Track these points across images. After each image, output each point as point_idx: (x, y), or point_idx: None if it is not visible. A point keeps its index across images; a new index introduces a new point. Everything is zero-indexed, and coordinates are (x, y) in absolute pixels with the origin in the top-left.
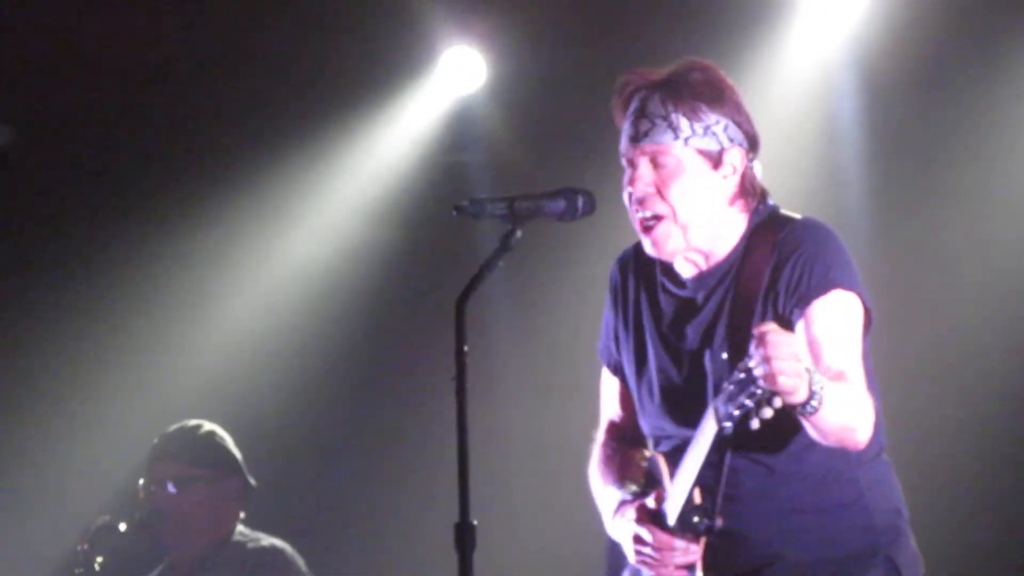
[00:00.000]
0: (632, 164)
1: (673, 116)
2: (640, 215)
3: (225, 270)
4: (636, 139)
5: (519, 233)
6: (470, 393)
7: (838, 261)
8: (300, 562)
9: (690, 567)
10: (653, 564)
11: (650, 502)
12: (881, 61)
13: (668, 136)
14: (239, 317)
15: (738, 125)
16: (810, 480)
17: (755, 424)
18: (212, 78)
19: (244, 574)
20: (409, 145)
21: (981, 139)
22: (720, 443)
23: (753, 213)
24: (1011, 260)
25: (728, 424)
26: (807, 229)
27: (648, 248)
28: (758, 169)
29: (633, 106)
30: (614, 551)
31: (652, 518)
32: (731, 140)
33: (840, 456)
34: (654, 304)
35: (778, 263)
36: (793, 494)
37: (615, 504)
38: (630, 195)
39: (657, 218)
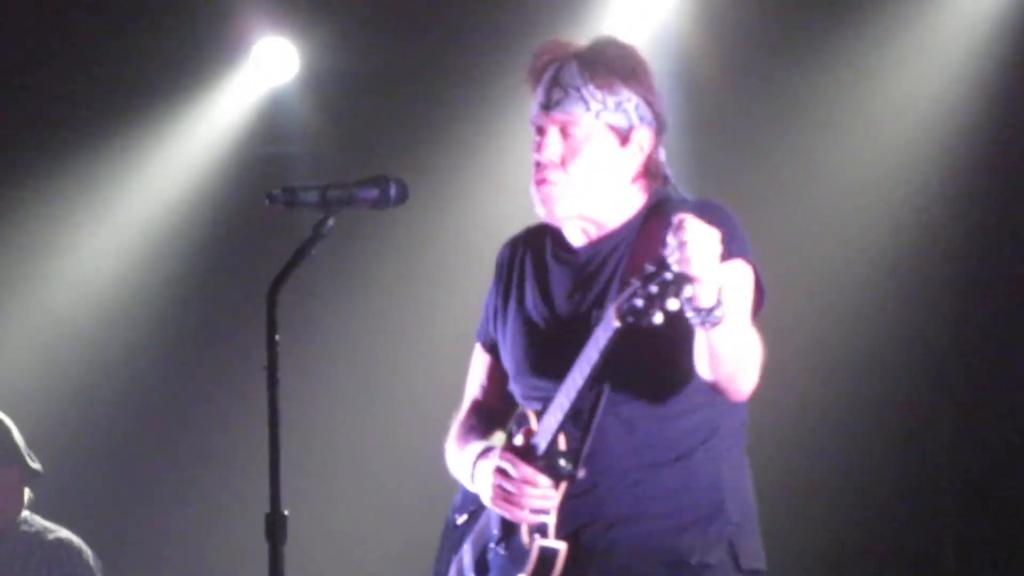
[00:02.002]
0: (541, 131)
1: (587, 88)
2: (537, 179)
3: (37, 258)
4: (548, 107)
5: (331, 222)
6: (285, 383)
7: (739, 236)
8: (89, 555)
9: (543, 511)
10: (510, 501)
11: (518, 439)
12: (694, 52)
13: (580, 107)
14: (49, 304)
15: (649, 105)
16: (671, 452)
17: (658, 318)
18: (24, 69)
19: (32, 567)
20: (224, 136)
21: (796, 127)
22: (594, 392)
23: (652, 194)
24: (829, 252)
25: (631, 319)
26: (709, 205)
27: (539, 208)
28: (663, 154)
29: (548, 75)
30: (452, 528)
31: (518, 454)
32: (641, 119)
33: (706, 434)
34: (542, 270)
35: None
36: (653, 463)
37: (479, 451)
38: (536, 162)
39: (550, 184)
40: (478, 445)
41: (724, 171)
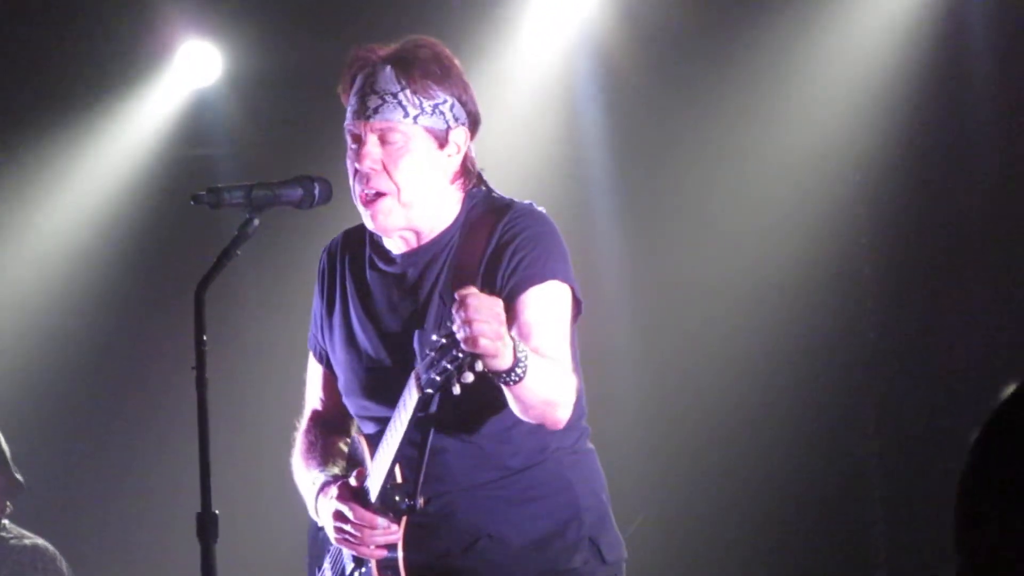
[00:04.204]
0: (359, 140)
1: (403, 93)
2: (364, 191)
3: None
4: (365, 115)
5: (256, 221)
6: (214, 382)
7: (556, 253)
8: (63, 563)
9: (391, 547)
10: (354, 543)
11: (352, 480)
12: (616, 46)
13: (398, 113)
14: None
15: (463, 104)
16: (516, 462)
17: (456, 389)
18: None
19: (5, 572)
20: (149, 138)
21: (717, 125)
22: (423, 420)
23: (468, 195)
24: (743, 251)
25: (430, 390)
26: (528, 217)
27: (368, 222)
28: (474, 150)
29: (361, 81)
30: (316, 538)
31: (354, 496)
32: (456, 119)
33: (545, 438)
34: (361, 282)
35: (497, 248)
36: (497, 477)
37: (318, 486)
38: (356, 171)
39: (380, 195)
40: (318, 476)
41: (644, 169)
